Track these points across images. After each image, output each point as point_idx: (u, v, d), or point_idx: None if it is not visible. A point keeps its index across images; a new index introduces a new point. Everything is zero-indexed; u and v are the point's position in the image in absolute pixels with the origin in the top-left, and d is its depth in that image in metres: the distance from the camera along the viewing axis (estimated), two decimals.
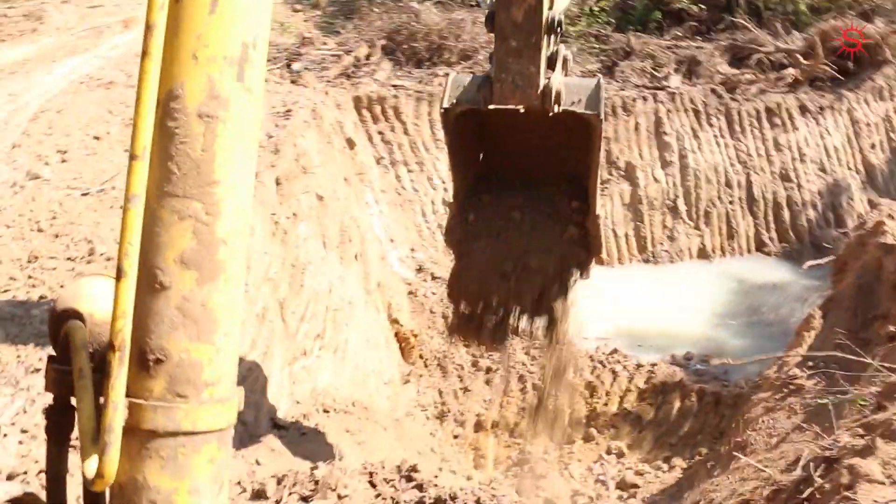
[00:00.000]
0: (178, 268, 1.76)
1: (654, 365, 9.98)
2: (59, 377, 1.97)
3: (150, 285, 1.76)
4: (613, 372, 9.81)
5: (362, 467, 4.12)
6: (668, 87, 14.94)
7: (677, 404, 9.42)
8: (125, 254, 1.72)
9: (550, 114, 4.76)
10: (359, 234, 9.93)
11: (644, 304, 12.06)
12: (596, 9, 17.34)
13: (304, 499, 3.73)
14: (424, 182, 13.55)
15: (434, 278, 11.62)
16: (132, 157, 1.73)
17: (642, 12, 17.54)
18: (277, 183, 8.27)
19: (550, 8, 4.64)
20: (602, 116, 4.93)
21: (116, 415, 1.74)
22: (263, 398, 6.08)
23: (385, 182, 12.94)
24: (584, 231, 5.66)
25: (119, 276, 1.73)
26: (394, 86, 14.42)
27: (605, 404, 9.49)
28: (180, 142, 1.74)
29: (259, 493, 3.76)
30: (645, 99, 14.64)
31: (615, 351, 10.33)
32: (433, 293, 11.12)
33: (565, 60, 4.86)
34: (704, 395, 9.42)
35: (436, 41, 15.69)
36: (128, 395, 1.76)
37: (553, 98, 4.69)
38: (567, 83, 4.85)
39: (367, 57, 15.41)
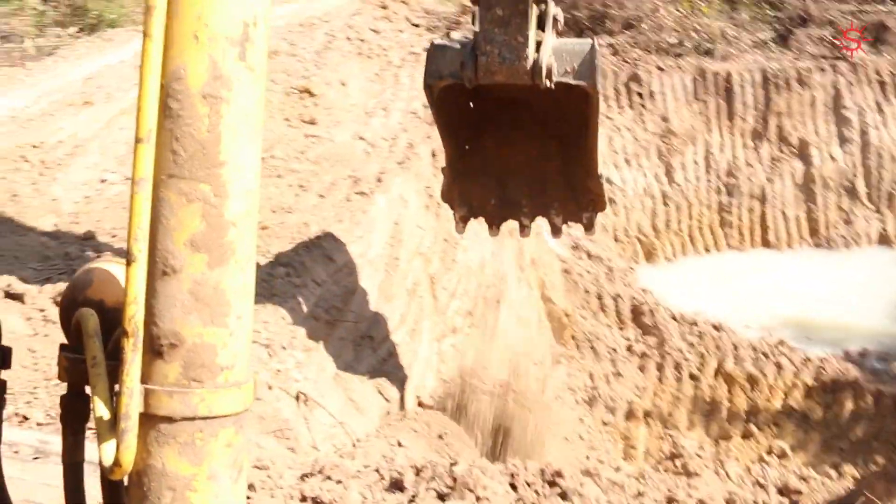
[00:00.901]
0: (188, 251, 1.74)
1: (823, 360, 9.28)
2: (72, 365, 1.96)
3: (160, 270, 1.75)
4: (778, 365, 9.19)
5: (504, 468, 3.91)
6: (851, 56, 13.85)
7: (850, 405, 8.73)
8: (134, 238, 1.70)
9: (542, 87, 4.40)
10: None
11: (815, 293, 11.26)
12: None
13: (441, 496, 3.56)
14: None
15: (590, 256, 11.27)
16: (137, 141, 1.70)
17: None
18: (433, 155, 8.14)
19: None
20: (598, 87, 4.58)
21: (132, 402, 1.73)
22: (410, 375, 5.96)
23: None
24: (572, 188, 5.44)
25: (129, 261, 1.72)
26: None
27: (768, 399, 8.91)
28: (185, 123, 1.72)
29: (396, 484, 3.62)
30: (823, 70, 13.65)
31: (781, 342, 9.68)
32: (588, 272, 10.78)
33: (555, 20, 4.46)
34: (882, 398, 8.68)
35: (598, 9, 15.19)
36: (142, 382, 1.75)
37: (544, 73, 4.32)
38: (558, 49, 4.45)
39: None
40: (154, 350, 1.76)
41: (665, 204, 13.12)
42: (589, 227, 5.68)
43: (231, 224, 1.77)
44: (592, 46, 4.52)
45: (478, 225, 8.63)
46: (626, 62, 14.04)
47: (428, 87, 4.78)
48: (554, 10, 4.42)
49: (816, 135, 13.34)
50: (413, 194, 7.36)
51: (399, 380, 5.81)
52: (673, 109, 13.61)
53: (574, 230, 11.98)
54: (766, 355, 9.43)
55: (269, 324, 4.64)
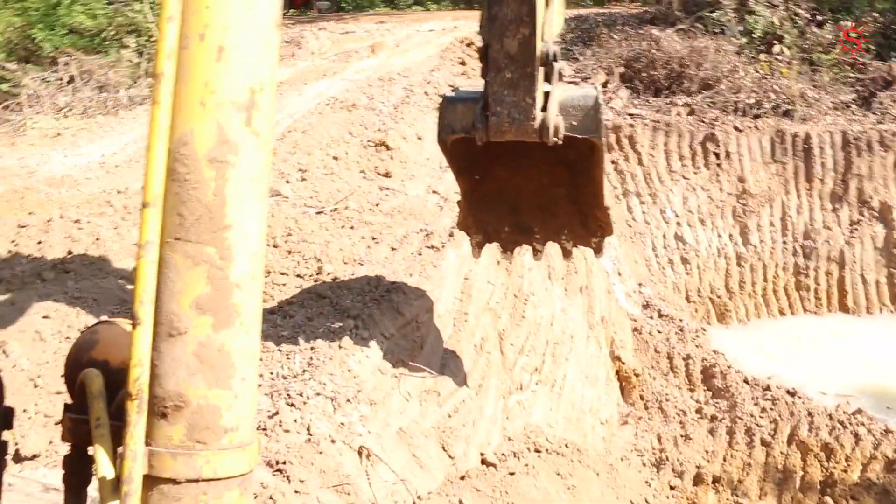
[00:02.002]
0: (193, 313, 1.77)
1: None
2: (76, 426, 1.97)
3: (166, 332, 1.78)
4: (856, 435, 8.88)
5: None
6: None
7: None
8: (140, 301, 1.75)
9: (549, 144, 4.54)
10: (585, 265, 9.67)
11: (894, 360, 10.93)
12: (853, 34, 16.09)
13: None
14: (657, 215, 13.11)
15: (661, 315, 11.16)
16: (144, 205, 1.76)
17: None
18: None
19: (543, 40, 4.40)
20: (603, 138, 4.68)
21: (136, 464, 1.74)
22: (474, 432, 5.95)
23: (616, 213, 12.59)
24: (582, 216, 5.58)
25: (135, 322, 1.76)
26: (630, 114, 14.08)
27: (845, 471, 8.59)
28: (192, 187, 1.77)
29: None
30: None
31: (859, 411, 9.36)
32: (659, 331, 10.66)
33: (560, 75, 4.57)
34: None
35: (676, 69, 15.22)
36: (146, 443, 1.77)
37: (552, 131, 4.45)
38: (563, 104, 4.56)
39: (605, 84, 15.16)
40: (158, 411, 1.77)
41: (739, 265, 12.94)
42: (598, 251, 5.79)
43: (236, 286, 1.79)
44: (597, 99, 4.61)
45: (549, 283, 8.66)
46: (703, 122, 13.99)
47: (442, 142, 4.93)
48: (559, 65, 4.54)
49: None
50: (484, 249, 7.41)
51: (464, 437, 5.80)
52: (749, 170, 13.47)
53: (647, 289, 11.92)
54: (843, 424, 9.12)
55: (334, 376, 4.72)
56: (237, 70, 1.79)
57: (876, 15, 16.58)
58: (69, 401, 2.06)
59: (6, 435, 2.08)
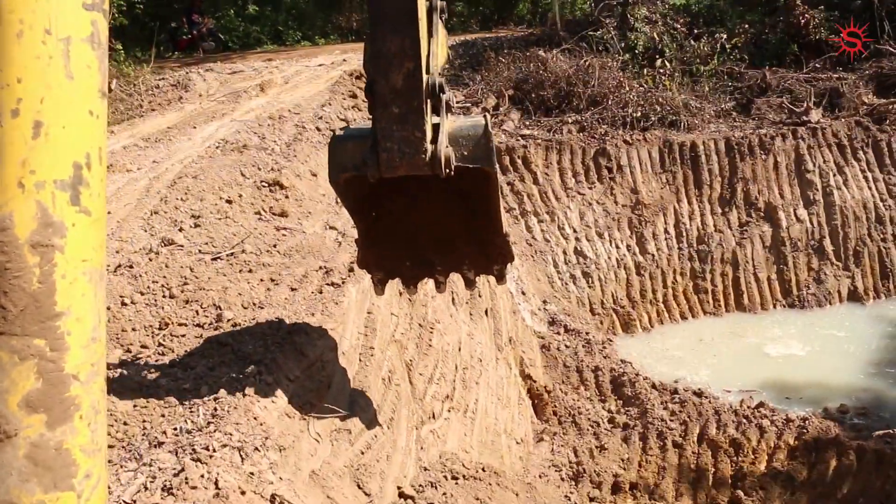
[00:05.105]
0: (23, 413, 1.62)
1: (805, 419, 9.32)
2: None
3: None
4: (760, 427, 9.21)
5: None
6: (809, 121, 14.26)
7: (833, 463, 8.74)
8: None
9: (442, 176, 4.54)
10: (489, 288, 9.78)
11: (791, 353, 11.39)
12: (728, 45, 16.82)
13: None
14: (556, 232, 13.36)
15: (568, 330, 11.36)
16: None
17: (777, 46, 16.91)
18: None
19: (428, 72, 4.41)
20: (495, 166, 4.69)
21: None
22: (389, 466, 5.95)
23: (515, 233, 12.79)
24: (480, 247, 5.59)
25: None
26: (522, 135, 14.35)
27: (753, 463, 8.90)
28: (13, 276, 1.62)
29: None
30: (784, 136, 14.04)
31: (761, 404, 9.73)
32: (567, 346, 10.85)
33: (448, 106, 4.59)
34: (865, 454, 8.70)
35: (564, 88, 15.60)
36: None
37: (443, 163, 4.45)
38: (453, 135, 4.60)
39: (496, 107, 15.43)
40: None
41: (639, 274, 13.29)
42: (500, 279, 5.73)
43: (72, 378, 1.65)
44: (486, 128, 4.61)
45: (454, 309, 8.73)
46: (594, 138, 14.37)
47: (334, 182, 4.86)
48: (446, 96, 4.52)
49: (782, 198, 13.65)
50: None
51: (378, 472, 5.79)
52: (641, 181, 13.88)
53: (553, 305, 12.12)
54: (747, 418, 9.45)
55: (240, 425, 4.65)
56: (58, 146, 1.65)
57: (746, 26, 17.37)
58: None
59: None
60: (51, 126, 1.64)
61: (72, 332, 1.67)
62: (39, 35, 1.62)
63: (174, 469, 4.25)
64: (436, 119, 4.56)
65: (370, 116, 4.58)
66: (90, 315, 1.72)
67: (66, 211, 1.67)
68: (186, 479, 4.13)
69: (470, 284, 5.90)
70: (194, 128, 12.37)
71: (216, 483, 4.14)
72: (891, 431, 9.02)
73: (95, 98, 1.72)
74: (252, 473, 4.35)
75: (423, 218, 5.56)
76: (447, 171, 4.53)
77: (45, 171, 1.65)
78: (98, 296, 1.72)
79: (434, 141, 4.49)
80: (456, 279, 8.29)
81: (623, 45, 16.85)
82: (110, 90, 15.05)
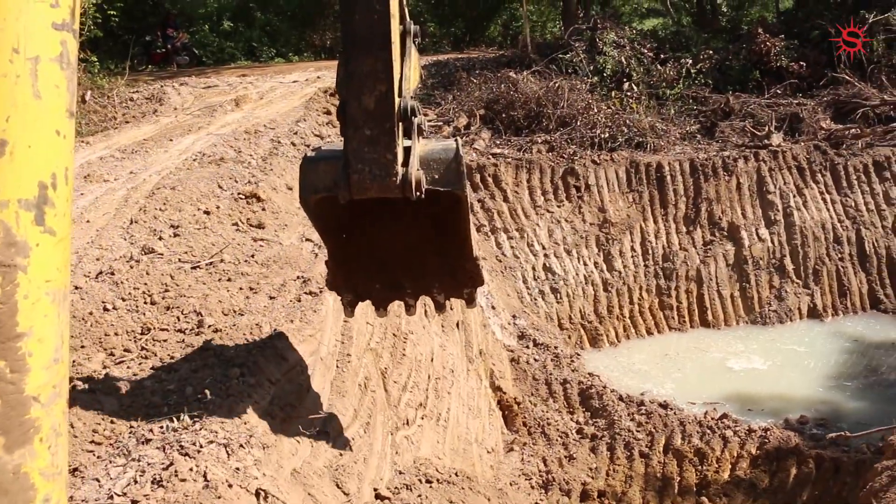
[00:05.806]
0: None
1: (766, 430, 9.62)
2: None
3: None
4: (724, 437, 9.50)
5: None
6: (770, 145, 14.70)
7: (794, 471, 9.03)
8: None
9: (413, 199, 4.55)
10: (460, 302, 9.98)
11: (753, 367, 11.73)
12: (693, 70, 17.28)
13: None
14: (525, 249, 13.62)
15: (537, 344, 11.59)
16: None
17: (740, 72, 17.40)
18: None
19: (400, 95, 4.43)
20: (465, 190, 4.68)
21: None
22: (366, 468, 6.12)
23: (486, 249, 13.04)
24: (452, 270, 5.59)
25: None
26: (493, 154, 14.63)
27: (717, 471, 9.17)
28: None
29: None
30: (746, 158, 14.47)
31: (725, 416, 10.03)
32: (536, 359, 11.08)
33: (420, 129, 4.59)
34: (823, 462, 9.01)
35: (534, 109, 15.91)
36: None
37: (413, 186, 4.45)
38: (424, 157, 4.61)
39: (467, 126, 15.70)
40: None
41: (606, 290, 13.58)
42: (470, 303, 5.74)
43: (32, 399, 1.62)
44: (457, 151, 4.63)
45: (426, 321, 8.93)
46: (563, 157, 14.68)
47: (305, 203, 4.82)
48: (418, 119, 4.51)
49: (744, 217, 14.04)
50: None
51: (356, 473, 5.95)
52: (609, 200, 14.20)
53: (522, 320, 12.36)
54: (711, 429, 9.74)
55: (225, 423, 4.81)
56: (24, 165, 1.60)
57: (711, 52, 17.86)
58: None
59: None
60: (16, 145, 1.60)
61: (33, 353, 1.63)
62: (7, 54, 1.59)
63: (163, 464, 4.40)
64: (407, 142, 4.55)
65: (342, 137, 4.61)
66: (52, 336, 1.67)
67: (30, 231, 1.62)
68: (176, 472, 4.29)
69: (440, 308, 5.89)
70: (171, 140, 12.49)
71: (205, 476, 4.29)
72: (843, 434, 9.33)
73: (63, 118, 1.69)
74: (238, 469, 4.51)
75: (393, 241, 5.56)
76: (418, 193, 4.51)
77: (9, 191, 1.59)
78: (61, 316, 1.69)
79: (405, 164, 4.46)
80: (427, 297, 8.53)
81: (592, 67, 17.23)
82: (84, 101, 15.12)
